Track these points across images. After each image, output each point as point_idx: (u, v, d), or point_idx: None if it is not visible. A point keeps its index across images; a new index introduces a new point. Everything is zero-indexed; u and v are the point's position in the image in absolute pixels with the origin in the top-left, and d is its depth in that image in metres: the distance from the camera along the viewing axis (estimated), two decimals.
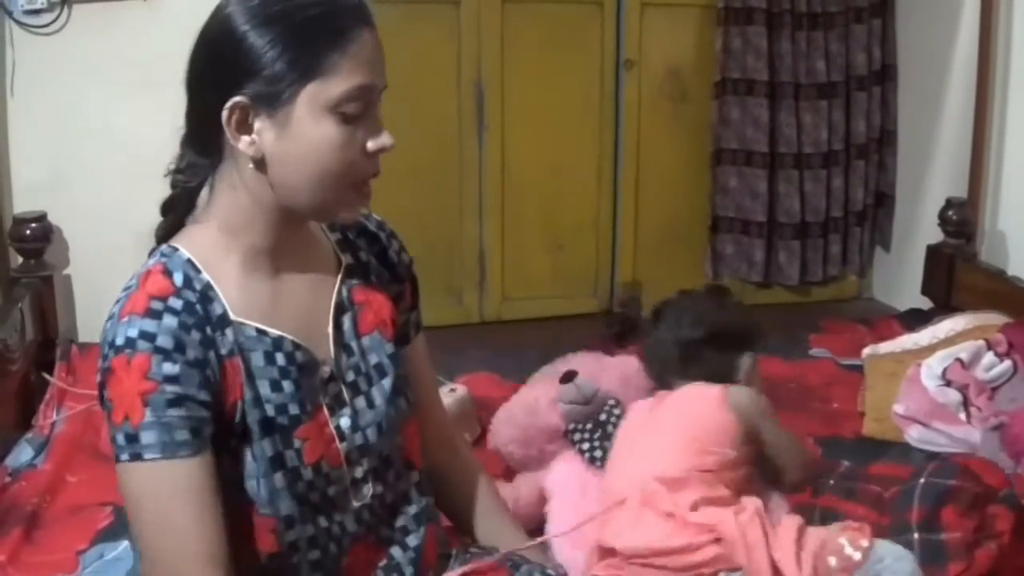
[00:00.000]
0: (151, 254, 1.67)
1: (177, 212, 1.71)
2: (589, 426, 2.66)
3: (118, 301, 1.59)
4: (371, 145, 1.61)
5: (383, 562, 1.81)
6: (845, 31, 4.58)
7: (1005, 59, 4.02)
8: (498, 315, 4.67)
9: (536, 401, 2.76)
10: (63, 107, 3.68)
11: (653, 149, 4.69)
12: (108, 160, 3.74)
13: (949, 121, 4.41)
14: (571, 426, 2.67)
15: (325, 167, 1.59)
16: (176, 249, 1.64)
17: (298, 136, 1.57)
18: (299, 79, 1.55)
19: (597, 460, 2.59)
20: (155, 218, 1.75)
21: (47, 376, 3.36)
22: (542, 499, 2.57)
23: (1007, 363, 2.98)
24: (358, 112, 1.58)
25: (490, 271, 4.63)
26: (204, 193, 1.69)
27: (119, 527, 2.49)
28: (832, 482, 2.59)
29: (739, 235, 4.73)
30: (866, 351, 3.48)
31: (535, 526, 2.44)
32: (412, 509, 1.86)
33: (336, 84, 1.56)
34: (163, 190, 1.72)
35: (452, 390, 3.11)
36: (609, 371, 2.86)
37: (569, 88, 4.54)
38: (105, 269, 3.14)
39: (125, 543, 2.42)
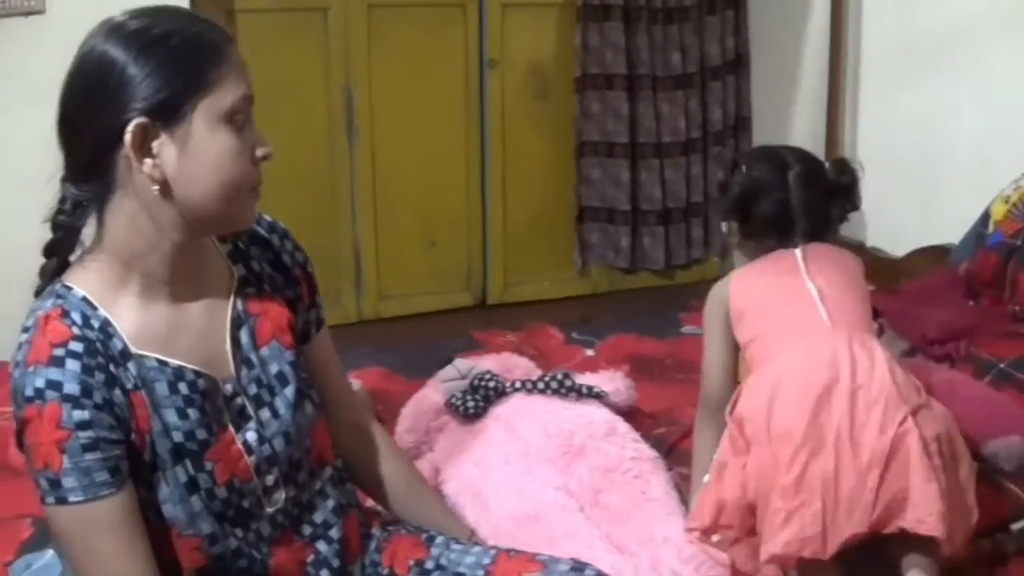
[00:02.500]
0: (41, 294, 1.69)
1: (61, 253, 1.72)
2: (464, 390, 2.83)
3: (20, 347, 1.62)
4: (260, 152, 1.68)
5: (311, 558, 1.87)
6: (699, 24, 4.77)
7: (856, 45, 4.24)
8: (376, 313, 4.76)
9: (423, 391, 2.92)
10: None
11: (518, 144, 4.84)
12: None
13: (802, 106, 4.64)
14: (449, 397, 2.83)
15: (227, 176, 1.64)
16: (70, 288, 1.66)
17: (199, 150, 1.62)
18: (194, 94, 1.60)
19: (470, 410, 2.76)
20: (41, 235, 1.73)
21: None
22: (437, 475, 2.68)
23: (874, 326, 3.17)
24: (243, 121, 1.66)
25: (366, 270, 4.72)
26: (90, 228, 1.70)
27: (41, 537, 2.46)
28: None
29: (604, 224, 4.88)
30: None
31: None
32: (329, 503, 1.91)
33: (225, 95, 1.62)
34: (48, 207, 1.70)
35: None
36: (488, 361, 3.05)
37: (435, 89, 4.66)
38: None
39: (50, 552, 2.39)
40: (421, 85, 4.61)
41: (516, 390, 2.79)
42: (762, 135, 4.98)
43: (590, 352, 3.69)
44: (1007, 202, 3.18)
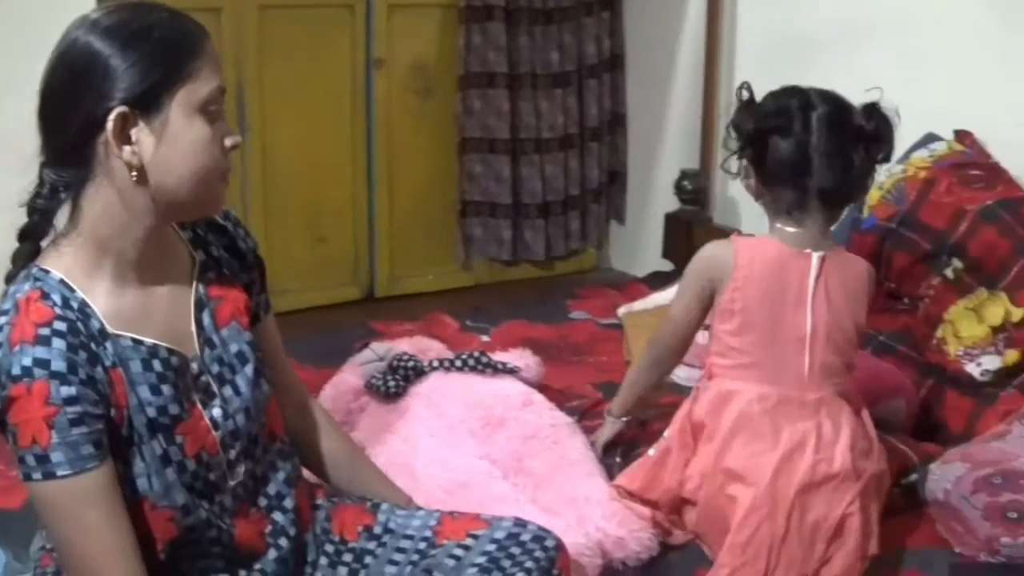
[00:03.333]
0: (12, 279, 1.75)
1: (37, 237, 1.79)
2: (383, 372, 2.94)
3: (0, 328, 1.68)
4: (228, 141, 1.78)
5: (268, 528, 1.96)
6: (577, 24, 4.93)
7: (731, 43, 4.46)
8: None
9: (341, 375, 3.02)
10: None
11: (403, 141, 4.94)
12: None
13: (678, 102, 4.84)
14: (369, 378, 2.94)
15: (201, 164, 1.74)
16: (47, 271, 1.73)
17: (175, 138, 1.71)
18: (172, 85, 1.70)
19: (391, 389, 2.88)
20: None
21: None
22: None
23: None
24: (216, 112, 1.76)
25: None
26: (64, 213, 1.77)
27: None
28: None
29: (487, 218, 5.00)
30: (621, 310, 3.78)
31: None
32: (280, 475, 2.00)
33: (201, 86, 1.72)
34: None
35: None
36: (403, 344, 3.17)
37: (324, 87, 4.74)
38: None
39: None
40: (310, 84, 4.70)
41: (434, 369, 2.92)
42: (638, 130, 5.18)
43: (486, 338, 3.79)
44: (881, 188, 3.36)
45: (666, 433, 2.52)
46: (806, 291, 2.37)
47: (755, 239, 2.49)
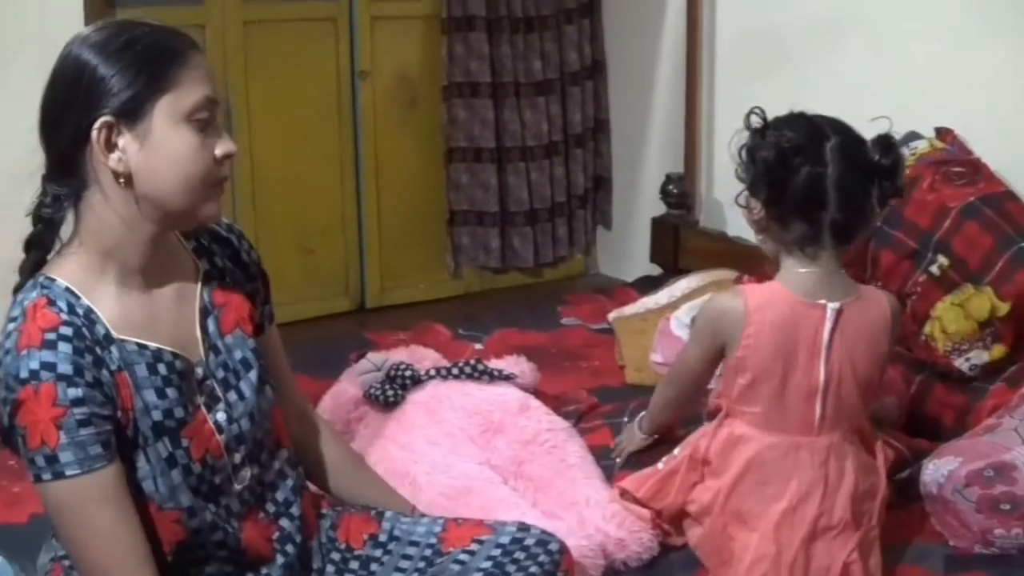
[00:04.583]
0: (21, 289, 1.81)
1: (42, 247, 1.84)
2: (381, 381, 2.98)
3: (8, 335, 1.73)
4: (219, 151, 1.81)
5: (276, 534, 2.00)
6: (558, 32, 4.97)
7: (710, 46, 4.49)
8: None
9: (339, 386, 3.06)
10: None
11: (390, 152, 4.97)
12: None
13: (660, 107, 4.87)
14: (367, 388, 2.98)
15: (187, 171, 1.77)
16: (53, 280, 1.78)
17: (159, 145, 1.76)
18: (154, 93, 1.75)
19: (390, 398, 2.92)
20: None
21: None
22: None
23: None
24: (206, 121, 1.79)
25: None
26: (68, 223, 1.83)
27: None
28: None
29: (475, 226, 5.03)
30: (612, 315, 3.83)
31: None
32: (288, 483, 2.04)
33: (186, 96, 1.76)
34: None
35: None
36: (399, 353, 3.21)
37: (310, 101, 4.77)
38: None
39: None
40: (296, 97, 4.72)
41: (431, 377, 2.96)
42: (621, 136, 5.22)
43: (479, 346, 3.82)
44: None
45: (676, 451, 2.55)
46: (820, 344, 2.32)
47: (765, 288, 2.40)
